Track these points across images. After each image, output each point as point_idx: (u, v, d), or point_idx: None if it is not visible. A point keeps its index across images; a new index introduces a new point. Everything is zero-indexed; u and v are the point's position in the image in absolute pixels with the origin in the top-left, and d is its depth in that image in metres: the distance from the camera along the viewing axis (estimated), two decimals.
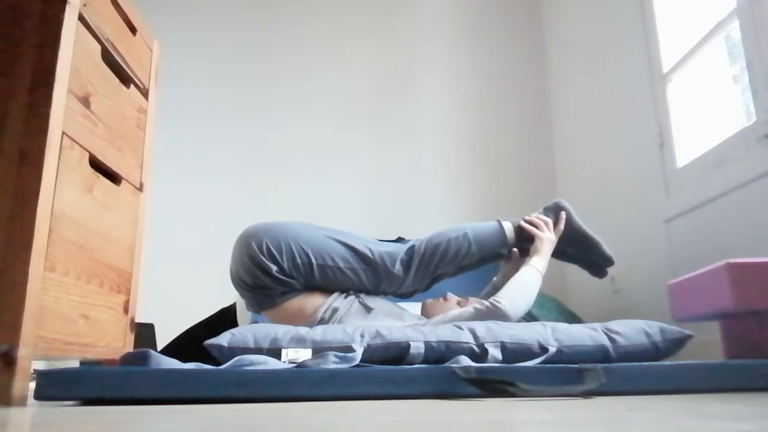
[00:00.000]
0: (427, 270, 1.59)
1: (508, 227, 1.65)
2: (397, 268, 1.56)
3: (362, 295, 1.57)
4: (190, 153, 3.12)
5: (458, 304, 1.62)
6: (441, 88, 3.25)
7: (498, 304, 1.42)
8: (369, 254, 1.55)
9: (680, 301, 1.41)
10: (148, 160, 1.62)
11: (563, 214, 1.66)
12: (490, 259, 1.66)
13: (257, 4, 3.34)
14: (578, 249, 1.68)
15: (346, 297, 1.55)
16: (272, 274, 1.48)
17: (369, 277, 1.56)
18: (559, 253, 1.69)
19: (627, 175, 2.35)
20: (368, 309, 1.51)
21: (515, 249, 1.66)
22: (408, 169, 3.13)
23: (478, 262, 1.65)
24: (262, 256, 1.49)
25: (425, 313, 1.63)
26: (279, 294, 1.52)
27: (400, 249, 1.59)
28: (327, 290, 1.56)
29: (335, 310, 1.51)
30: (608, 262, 1.66)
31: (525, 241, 1.64)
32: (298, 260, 1.50)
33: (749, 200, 1.61)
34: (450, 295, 1.65)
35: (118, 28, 1.43)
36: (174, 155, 3.09)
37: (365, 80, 3.24)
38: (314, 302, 1.53)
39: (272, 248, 1.50)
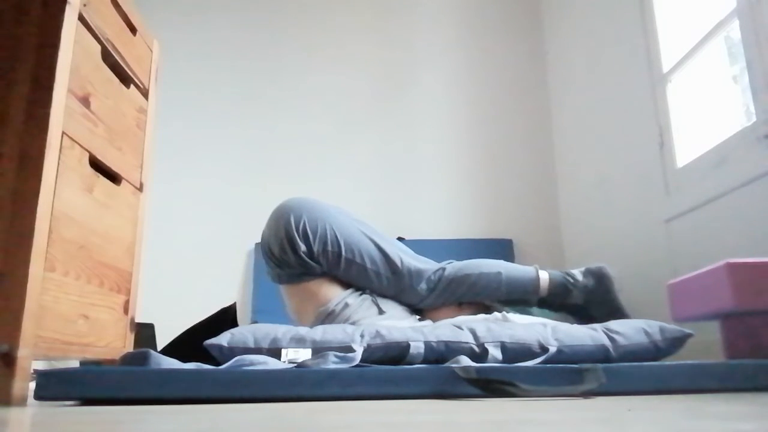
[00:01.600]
0: (450, 297, 1.57)
1: (544, 278, 1.59)
2: (422, 287, 1.55)
3: (378, 297, 1.56)
4: (190, 153, 3.12)
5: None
6: (441, 88, 3.25)
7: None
8: (399, 264, 1.54)
9: (680, 301, 1.41)
10: (148, 160, 1.62)
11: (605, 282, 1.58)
12: (516, 303, 1.63)
13: (257, 4, 3.34)
14: (602, 315, 1.56)
15: (360, 295, 1.55)
16: (299, 253, 1.48)
17: (391, 284, 1.55)
18: (578, 312, 1.61)
19: (627, 175, 2.35)
20: (381, 311, 1.51)
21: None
22: (408, 169, 3.13)
23: (503, 303, 1.62)
24: (295, 233, 1.48)
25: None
26: (298, 274, 1.52)
27: (429, 269, 1.56)
28: (345, 283, 1.56)
29: (347, 306, 1.51)
30: None
31: (558, 296, 1.58)
32: (329, 247, 1.49)
33: (749, 200, 1.61)
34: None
35: (118, 28, 1.43)
36: (174, 155, 3.09)
37: (366, 79, 3.24)
38: (330, 292, 1.53)
39: (308, 228, 1.49)
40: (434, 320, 1.57)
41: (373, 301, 1.53)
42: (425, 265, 1.58)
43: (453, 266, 1.58)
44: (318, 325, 1.39)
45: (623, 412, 0.71)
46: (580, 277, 1.60)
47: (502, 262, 1.62)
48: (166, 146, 3.07)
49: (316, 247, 1.49)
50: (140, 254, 1.56)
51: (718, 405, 0.78)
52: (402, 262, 1.54)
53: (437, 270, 1.57)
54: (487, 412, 0.73)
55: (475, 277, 1.57)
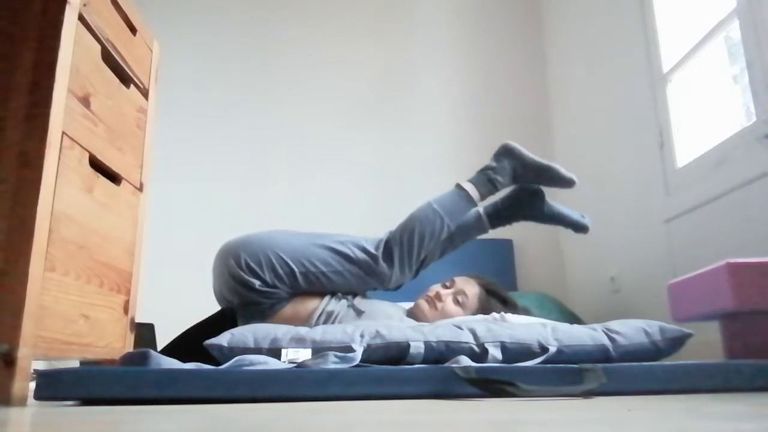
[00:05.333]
0: (410, 258, 1.57)
1: (468, 185, 1.65)
2: (381, 264, 1.54)
3: (356, 299, 1.56)
4: (190, 153, 3.12)
5: (444, 288, 1.61)
6: (442, 88, 3.25)
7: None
8: (351, 254, 1.54)
9: (680, 301, 1.41)
10: (148, 160, 1.62)
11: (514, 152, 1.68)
12: (468, 231, 1.70)
13: (257, 4, 3.34)
14: (539, 180, 1.68)
15: (339, 300, 1.54)
16: (256, 288, 1.47)
17: (355, 276, 1.54)
18: (530, 201, 1.73)
19: (627, 175, 2.35)
20: (359, 312, 1.50)
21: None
22: (408, 169, 3.13)
23: (458, 238, 1.68)
24: (242, 272, 1.47)
25: (417, 315, 1.59)
26: (268, 306, 1.50)
27: (378, 245, 1.57)
28: (320, 294, 1.55)
29: (330, 314, 1.50)
30: (569, 183, 1.66)
31: (489, 191, 1.66)
32: (280, 270, 1.49)
33: (749, 200, 1.61)
34: (436, 289, 1.61)
35: (118, 28, 1.43)
36: (174, 155, 3.09)
37: (365, 80, 3.24)
38: (307, 307, 1.52)
39: (251, 262, 1.48)
40: (419, 320, 1.57)
41: (349, 305, 1.53)
42: (373, 243, 1.58)
43: (393, 232, 1.60)
44: None
45: (623, 412, 0.71)
46: (494, 163, 1.68)
47: (430, 198, 1.65)
48: (166, 146, 3.07)
49: (267, 276, 1.48)
50: (140, 254, 1.56)
51: (718, 405, 0.78)
52: (353, 251, 1.54)
53: (384, 243, 1.58)
54: (487, 412, 0.73)
55: (418, 226, 1.58)
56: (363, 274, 1.55)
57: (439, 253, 1.70)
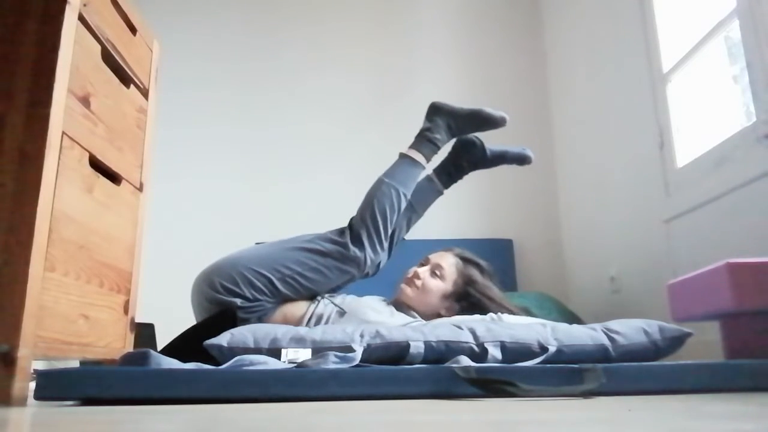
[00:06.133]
0: (379, 236, 1.59)
1: (411, 151, 1.71)
2: (351, 248, 1.56)
3: (336, 298, 1.56)
4: (190, 153, 3.12)
5: (421, 266, 1.64)
6: (442, 89, 3.25)
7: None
8: (321, 248, 1.55)
9: (680, 301, 1.41)
10: (148, 160, 1.62)
11: (442, 108, 1.74)
12: (425, 196, 1.76)
13: (258, 5, 3.34)
14: (473, 127, 1.74)
15: (326, 304, 1.54)
16: (239, 306, 1.47)
17: (331, 269, 1.55)
18: (471, 149, 1.80)
19: (627, 175, 2.35)
20: (341, 312, 1.50)
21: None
22: None
23: (418, 205, 1.74)
24: (220, 296, 1.48)
25: (402, 299, 1.61)
26: (259, 315, 1.51)
27: (344, 232, 1.60)
28: (307, 297, 1.56)
29: (320, 317, 1.51)
30: (501, 121, 1.71)
31: (432, 151, 1.72)
32: (257, 283, 1.49)
33: (749, 200, 1.61)
34: (413, 270, 1.63)
35: (118, 28, 1.43)
36: (174, 155, 3.09)
37: (365, 80, 3.24)
38: (295, 314, 1.53)
39: (227, 283, 1.48)
40: (409, 306, 1.59)
41: (333, 304, 1.53)
42: (337, 231, 1.61)
43: (354, 216, 1.63)
44: None
45: (623, 412, 0.71)
46: (429, 124, 1.74)
47: (380, 174, 1.69)
48: (166, 146, 3.06)
49: (247, 292, 1.48)
50: (140, 254, 1.56)
51: (718, 405, 0.78)
52: (322, 245, 1.56)
53: (349, 228, 1.60)
54: (487, 412, 0.73)
55: (376, 203, 1.61)
56: (339, 264, 1.55)
57: (406, 226, 1.74)
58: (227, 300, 1.47)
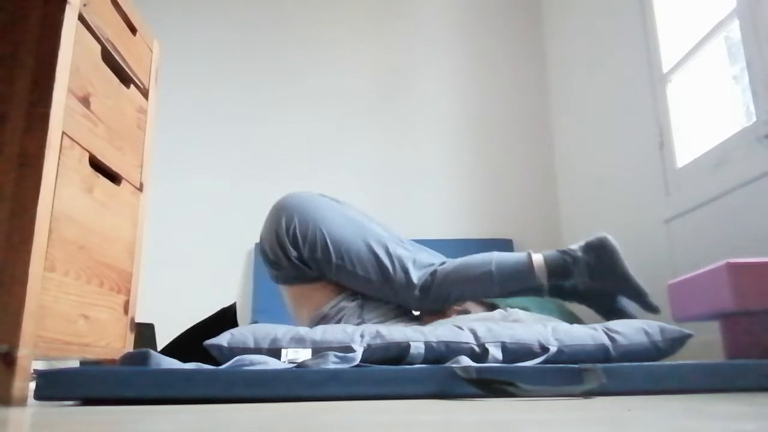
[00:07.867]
0: (446, 301, 1.52)
1: (538, 261, 1.47)
2: (414, 294, 1.50)
3: (368, 302, 1.55)
4: (190, 153, 3.12)
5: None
6: (442, 88, 3.25)
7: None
8: (390, 271, 1.50)
9: (680, 301, 1.41)
10: (148, 160, 1.62)
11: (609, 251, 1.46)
12: (523, 294, 1.52)
13: (258, 5, 3.34)
14: (612, 288, 1.47)
15: (353, 300, 1.54)
16: (290, 258, 1.49)
17: (382, 292, 1.53)
18: (598, 296, 1.49)
19: (627, 175, 2.35)
20: (363, 321, 1.50)
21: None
22: (409, 169, 3.13)
23: (513, 294, 1.54)
24: (286, 238, 1.49)
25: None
26: (293, 276, 1.53)
27: (422, 277, 1.51)
28: (340, 287, 1.56)
29: (341, 310, 1.51)
30: (647, 310, 1.46)
31: (559, 277, 1.47)
32: (319, 254, 1.49)
33: (749, 200, 1.61)
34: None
35: (118, 28, 1.43)
36: (174, 155, 3.09)
37: (366, 80, 3.24)
38: (324, 295, 1.54)
39: (298, 232, 1.48)
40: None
41: (360, 306, 1.53)
42: (419, 271, 1.51)
43: (443, 270, 1.51)
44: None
45: (623, 412, 0.71)
46: (579, 254, 1.46)
47: (494, 255, 1.51)
48: (166, 146, 3.07)
49: (306, 253, 1.49)
50: (140, 254, 1.56)
51: (718, 405, 0.78)
52: (395, 269, 1.49)
53: (427, 277, 1.51)
54: (487, 412, 0.73)
55: (465, 275, 1.50)
56: (391, 293, 1.52)
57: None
58: (287, 245, 1.48)
